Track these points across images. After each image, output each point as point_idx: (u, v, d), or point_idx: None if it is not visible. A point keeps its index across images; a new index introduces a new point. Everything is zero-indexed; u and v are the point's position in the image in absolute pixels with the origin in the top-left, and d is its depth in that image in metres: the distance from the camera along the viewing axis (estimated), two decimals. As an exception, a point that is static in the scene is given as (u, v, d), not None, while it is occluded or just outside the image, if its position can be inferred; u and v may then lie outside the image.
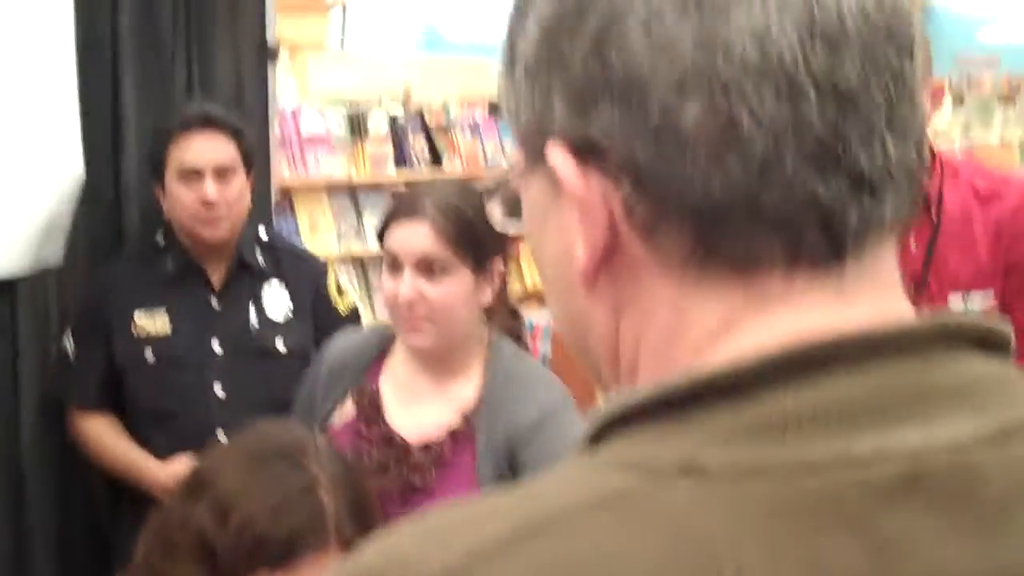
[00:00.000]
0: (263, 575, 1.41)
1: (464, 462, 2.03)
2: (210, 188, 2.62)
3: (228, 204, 2.66)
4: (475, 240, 2.04)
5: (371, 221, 5.04)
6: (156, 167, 2.70)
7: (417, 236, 2.03)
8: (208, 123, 2.67)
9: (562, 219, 0.63)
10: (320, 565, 1.42)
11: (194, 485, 1.49)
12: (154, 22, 2.93)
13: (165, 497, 1.78)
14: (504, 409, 2.03)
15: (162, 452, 2.65)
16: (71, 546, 2.86)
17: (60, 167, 2.71)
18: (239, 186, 2.69)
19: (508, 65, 0.65)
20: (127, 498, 2.71)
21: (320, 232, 5.16)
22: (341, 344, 2.23)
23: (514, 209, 0.69)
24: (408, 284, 2.03)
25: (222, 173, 2.65)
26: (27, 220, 2.66)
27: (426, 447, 2.05)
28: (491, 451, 2.01)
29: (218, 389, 2.68)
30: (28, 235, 2.67)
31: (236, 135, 2.69)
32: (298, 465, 1.47)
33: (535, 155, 0.63)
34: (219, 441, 2.52)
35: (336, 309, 2.82)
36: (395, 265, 2.05)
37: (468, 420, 2.05)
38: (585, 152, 0.60)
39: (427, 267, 2.03)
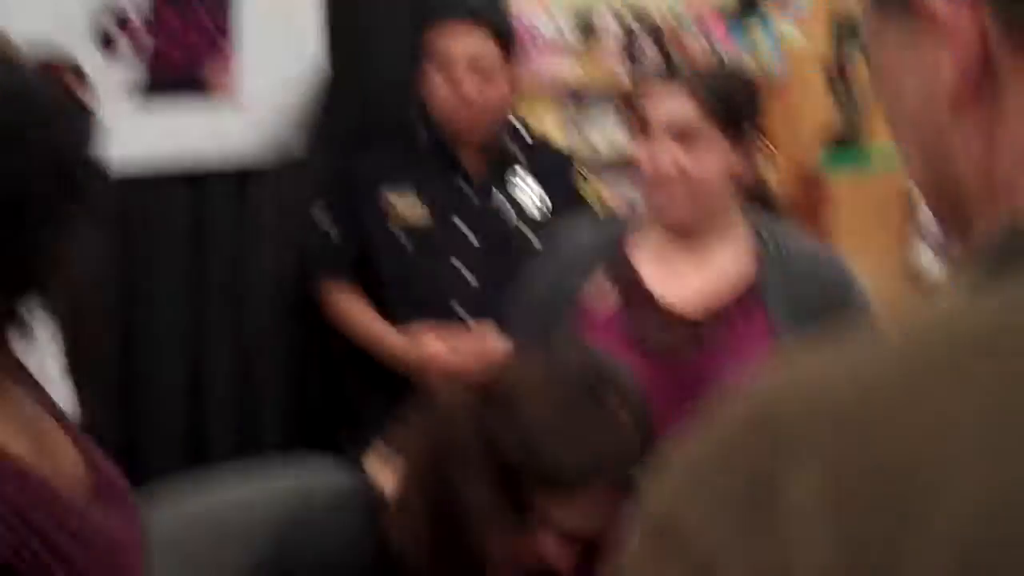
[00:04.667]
0: (541, 496, 1.46)
1: (757, 331, 1.95)
2: (469, 85, 2.60)
3: (487, 101, 2.63)
4: (733, 109, 1.97)
5: (597, 127, 4.93)
6: (416, 53, 2.68)
7: (675, 103, 1.96)
8: (470, 16, 2.64)
9: (923, 53, 0.62)
10: (596, 500, 1.47)
11: (492, 399, 1.51)
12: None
13: (435, 385, 1.86)
14: (793, 276, 1.97)
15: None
16: (302, 411, 2.93)
17: (302, 54, 2.70)
18: (500, 83, 2.65)
19: None
20: (374, 373, 2.75)
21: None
22: (581, 230, 2.16)
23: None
24: (665, 153, 1.95)
25: (481, 68, 2.62)
26: (268, 109, 2.67)
27: (713, 320, 1.97)
28: (789, 314, 1.94)
29: (472, 280, 2.68)
30: (269, 124, 2.68)
31: (497, 31, 2.65)
32: (600, 399, 1.51)
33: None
34: (469, 330, 2.60)
35: (584, 199, 2.79)
36: (646, 131, 1.99)
37: (753, 289, 1.98)
38: None
39: (684, 136, 1.96)
